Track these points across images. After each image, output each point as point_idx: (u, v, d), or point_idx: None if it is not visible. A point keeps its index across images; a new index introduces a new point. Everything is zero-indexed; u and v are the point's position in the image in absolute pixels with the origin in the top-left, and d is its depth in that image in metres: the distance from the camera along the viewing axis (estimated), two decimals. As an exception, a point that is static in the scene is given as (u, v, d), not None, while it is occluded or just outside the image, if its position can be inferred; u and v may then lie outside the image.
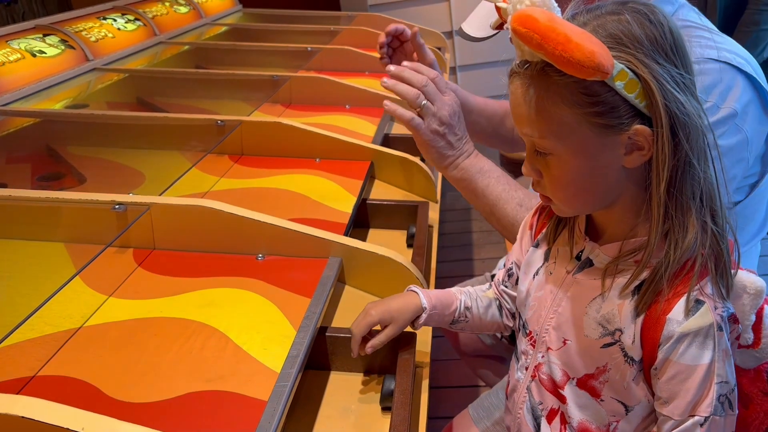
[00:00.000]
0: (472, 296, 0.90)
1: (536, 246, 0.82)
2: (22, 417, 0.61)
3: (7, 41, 1.83)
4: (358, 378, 0.92)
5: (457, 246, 2.95)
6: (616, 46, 0.61)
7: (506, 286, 0.90)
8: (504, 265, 0.91)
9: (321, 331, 0.92)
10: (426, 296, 0.87)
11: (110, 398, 0.76)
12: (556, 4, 0.63)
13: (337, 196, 1.32)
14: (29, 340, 0.83)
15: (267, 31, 2.93)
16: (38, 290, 0.95)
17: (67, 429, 0.61)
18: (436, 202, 1.49)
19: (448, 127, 1.01)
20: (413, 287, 0.89)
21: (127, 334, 0.88)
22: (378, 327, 0.87)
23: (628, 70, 0.61)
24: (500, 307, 0.91)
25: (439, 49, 2.74)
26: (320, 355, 0.92)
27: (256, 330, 0.89)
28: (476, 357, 1.55)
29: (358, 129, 1.74)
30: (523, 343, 0.82)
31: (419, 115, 1.01)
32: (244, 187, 1.38)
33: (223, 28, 2.99)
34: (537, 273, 0.80)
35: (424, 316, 0.86)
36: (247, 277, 1.03)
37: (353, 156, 1.51)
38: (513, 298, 0.88)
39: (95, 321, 0.91)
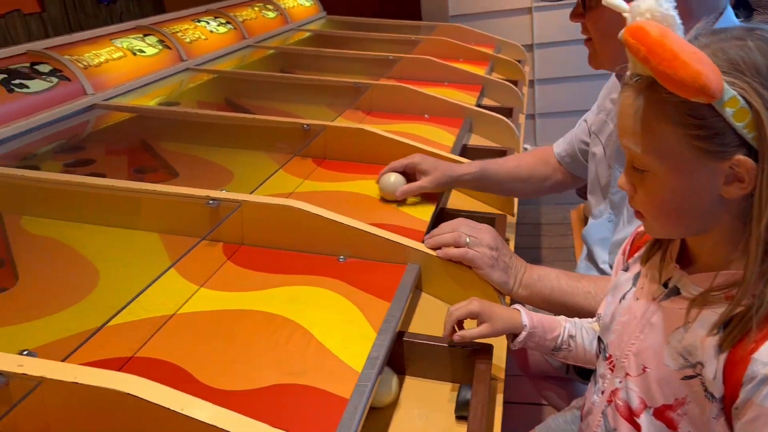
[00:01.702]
0: (577, 325, 0.90)
1: (626, 269, 0.81)
2: (128, 393, 0.65)
3: (111, 40, 1.95)
4: (432, 384, 0.93)
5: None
6: (732, 72, 0.60)
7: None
8: None
9: (398, 336, 0.94)
10: (527, 316, 0.88)
11: (201, 383, 0.80)
12: (678, 21, 0.62)
13: (416, 204, 1.34)
14: (128, 322, 0.89)
15: (349, 38, 2.99)
16: (136, 277, 1.01)
17: (168, 409, 0.65)
18: (514, 216, 1.49)
19: (497, 250, 1.05)
20: (517, 305, 0.91)
21: (216, 323, 0.93)
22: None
23: (740, 98, 0.60)
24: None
25: (519, 62, 2.73)
26: (396, 359, 0.94)
27: (338, 329, 0.92)
28: (542, 378, 1.53)
29: (437, 138, 1.76)
30: (602, 367, 0.81)
31: None
32: (327, 190, 1.42)
33: (307, 34, 3.07)
34: (624, 297, 0.79)
35: (524, 334, 0.87)
36: (329, 277, 1.06)
37: (433, 165, 1.53)
38: None
39: (187, 309, 0.96)
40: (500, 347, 0.97)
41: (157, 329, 0.90)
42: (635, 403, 0.74)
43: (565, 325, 0.90)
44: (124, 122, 1.72)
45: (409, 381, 0.94)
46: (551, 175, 1.44)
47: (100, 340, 0.82)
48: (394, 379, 0.89)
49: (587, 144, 1.34)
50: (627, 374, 0.75)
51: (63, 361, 0.70)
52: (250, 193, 1.18)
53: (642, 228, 0.81)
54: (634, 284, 0.79)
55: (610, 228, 1.25)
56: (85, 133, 1.66)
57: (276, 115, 1.74)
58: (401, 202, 1.35)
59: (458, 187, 1.37)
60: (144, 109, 1.75)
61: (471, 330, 0.88)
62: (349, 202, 1.36)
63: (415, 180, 1.34)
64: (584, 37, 1.15)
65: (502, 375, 0.95)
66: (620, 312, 0.78)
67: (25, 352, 0.71)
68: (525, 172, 1.41)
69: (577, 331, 0.90)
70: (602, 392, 0.79)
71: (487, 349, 0.91)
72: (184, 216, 1.14)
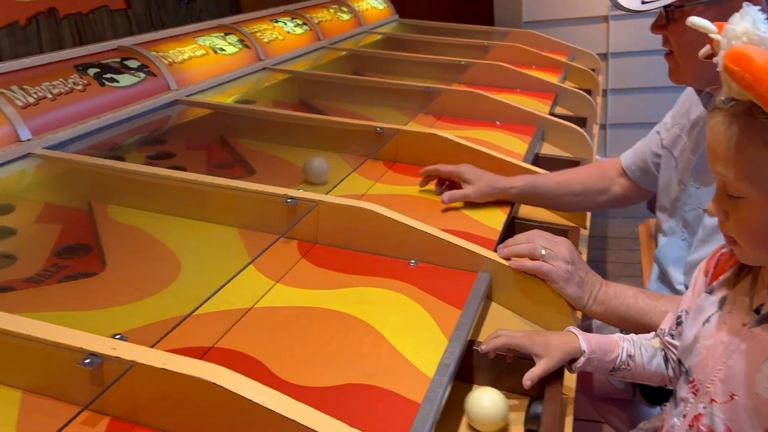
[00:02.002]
0: (635, 344, 0.88)
1: (710, 292, 0.78)
2: (213, 383, 0.68)
3: (194, 38, 2.02)
4: (500, 395, 0.92)
5: (589, 274, 2.86)
6: None
7: (672, 336, 0.86)
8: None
9: (468, 344, 0.94)
10: (585, 339, 0.86)
11: (277, 377, 0.82)
12: None
13: (488, 212, 1.33)
14: (209, 313, 0.92)
15: (421, 42, 3.00)
16: (216, 269, 1.05)
17: (250, 401, 0.67)
18: (586, 229, 1.46)
19: (573, 264, 1.03)
20: (572, 328, 0.89)
21: (292, 319, 0.95)
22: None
23: None
24: (666, 359, 0.87)
25: (593, 70, 2.68)
26: (465, 367, 0.94)
27: (409, 333, 0.92)
28: (604, 400, 1.50)
29: (509, 146, 1.75)
30: (683, 390, 0.79)
31: None
32: (397, 193, 1.43)
33: (379, 37, 3.10)
34: (708, 320, 0.77)
35: (582, 360, 0.85)
36: (400, 281, 1.07)
37: (504, 173, 1.51)
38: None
39: (264, 304, 0.98)
40: (571, 362, 0.96)
41: (235, 321, 0.93)
42: (720, 430, 0.71)
43: (622, 345, 0.88)
44: (203, 118, 1.78)
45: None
46: (608, 188, 1.41)
47: (183, 328, 0.85)
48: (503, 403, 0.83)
49: (659, 156, 1.31)
50: (712, 400, 0.73)
51: (152, 347, 0.74)
52: (326, 194, 1.21)
53: (725, 249, 0.79)
54: (720, 308, 0.76)
55: (684, 247, 1.21)
56: (167, 127, 1.73)
57: (348, 117, 1.76)
58: (472, 208, 1.34)
59: (504, 199, 1.36)
60: (223, 106, 1.81)
61: (534, 370, 0.85)
62: (419, 206, 1.37)
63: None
64: (665, 49, 1.12)
65: (572, 393, 0.94)
66: (704, 335, 0.76)
67: (117, 336, 0.75)
68: (577, 186, 1.39)
69: (636, 350, 0.87)
70: (684, 416, 0.77)
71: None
72: (262, 212, 1.18)
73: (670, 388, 0.86)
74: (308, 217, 1.15)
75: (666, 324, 0.88)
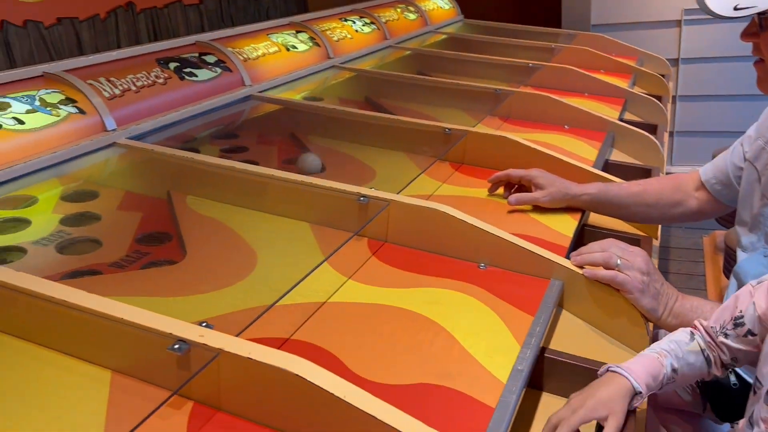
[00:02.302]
0: (677, 356, 0.84)
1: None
2: (296, 374, 0.70)
3: (267, 35, 2.06)
4: (570, 404, 0.92)
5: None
6: None
7: (727, 336, 0.83)
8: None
9: (540, 351, 0.93)
10: (636, 377, 0.81)
11: (352, 372, 0.84)
12: None
13: (558, 217, 1.32)
14: (284, 305, 0.94)
15: (486, 43, 2.98)
16: (290, 262, 1.08)
17: (331, 394, 0.69)
18: (657, 239, 1.43)
19: (648, 275, 1.01)
20: (613, 367, 0.83)
21: (364, 315, 0.97)
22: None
23: None
24: (708, 360, 0.85)
25: (663, 76, 2.61)
26: (535, 374, 0.93)
27: (481, 336, 0.93)
28: (669, 411, 1.46)
29: (578, 151, 1.72)
30: (763, 411, 0.77)
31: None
32: (465, 195, 1.43)
33: (444, 37, 3.09)
34: None
35: (640, 399, 0.81)
36: (470, 283, 1.07)
37: (574, 179, 1.50)
38: (735, 350, 0.83)
39: (337, 299, 1.00)
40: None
41: (310, 315, 0.95)
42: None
43: (665, 363, 0.83)
44: (275, 114, 1.82)
45: (546, 398, 0.93)
46: (683, 201, 1.37)
47: (262, 318, 0.88)
48: None
49: (741, 170, 1.27)
50: None
51: (237, 336, 0.76)
52: (397, 194, 1.22)
53: None
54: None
55: (766, 264, 1.17)
56: (240, 121, 1.78)
57: (414, 117, 1.77)
58: (541, 213, 1.33)
59: (575, 206, 1.34)
60: (294, 103, 1.84)
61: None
62: (486, 209, 1.36)
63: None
64: (743, 57, 1.08)
65: (643, 404, 0.92)
66: None
67: (203, 324, 0.78)
68: (652, 198, 1.35)
69: (679, 363, 0.84)
70: None
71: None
72: (334, 209, 1.20)
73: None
74: (379, 216, 1.17)
75: (717, 321, 0.84)
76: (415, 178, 1.41)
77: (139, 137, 1.44)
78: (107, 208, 1.28)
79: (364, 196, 1.17)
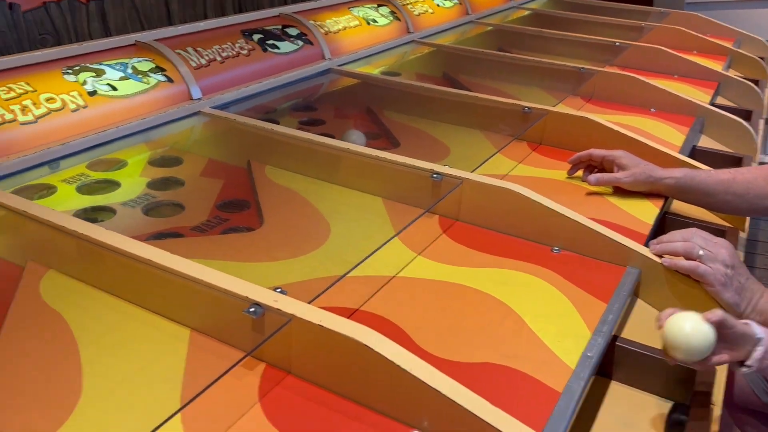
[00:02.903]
0: None
1: None
2: (365, 345, 0.71)
3: (349, 8, 2.07)
4: (640, 395, 0.90)
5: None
6: None
7: None
8: None
9: (612, 339, 0.91)
10: (761, 328, 0.80)
11: (418, 346, 0.85)
12: None
13: (638, 203, 1.27)
14: (355, 277, 0.96)
15: (572, 20, 2.88)
16: (362, 235, 1.09)
17: (397, 366, 0.70)
18: (744, 231, 1.36)
19: (732, 268, 0.97)
20: (747, 320, 0.82)
21: (432, 292, 0.97)
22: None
23: None
24: None
25: (762, 59, 2.44)
26: (605, 362, 0.91)
27: (550, 320, 0.92)
28: (745, 411, 1.40)
29: (663, 135, 1.65)
30: None
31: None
32: (541, 176, 1.40)
33: (527, 13, 3.01)
34: None
35: (760, 349, 0.78)
36: (542, 267, 1.05)
37: (657, 164, 1.44)
38: None
39: (406, 274, 1.01)
40: (720, 369, 0.91)
41: (380, 287, 0.96)
42: None
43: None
44: (353, 88, 1.83)
45: (615, 387, 0.91)
46: None
47: (333, 288, 0.90)
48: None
49: None
50: None
51: (309, 303, 0.78)
52: (471, 172, 1.21)
53: None
54: None
55: None
56: (318, 94, 1.80)
57: (493, 94, 1.74)
58: (620, 197, 1.29)
59: (657, 191, 1.28)
60: (372, 77, 1.85)
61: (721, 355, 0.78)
62: (563, 191, 1.33)
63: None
64: None
65: (718, 401, 0.89)
66: None
67: (278, 290, 0.81)
68: (741, 187, 1.27)
69: None
70: None
71: (710, 372, 0.85)
72: (408, 185, 1.20)
73: None
74: (452, 194, 1.16)
75: None
76: (490, 157, 1.39)
77: (222, 107, 1.48)
78: (191, 174, 1.33)
79: (437, 173, 1.17)
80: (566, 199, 1.28)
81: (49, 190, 1.20)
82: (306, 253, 1.03)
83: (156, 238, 1.08)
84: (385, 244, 1.01)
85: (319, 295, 0.84)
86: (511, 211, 1.14)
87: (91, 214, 1.15)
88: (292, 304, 0.77)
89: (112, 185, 1.26)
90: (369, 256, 0.96)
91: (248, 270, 0.97)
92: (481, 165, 1.35)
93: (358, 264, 0.93)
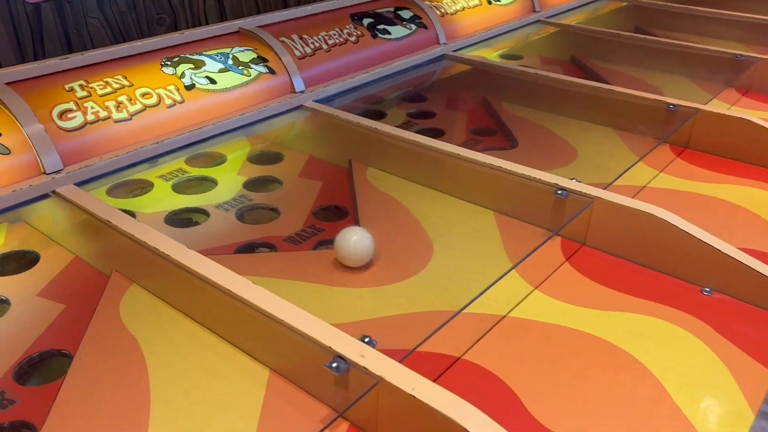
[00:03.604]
0: None
1: None
2: (462, 427, 0.58)
3: (469, -14, 1.89)
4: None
5: None
6: None
7: None
8: None
9: (779, 420, 0.72)
10: None
11: (530, 414, 0.70)
12: None
13: (813, 234, 1.04)
14: (463, 313, 0.83)
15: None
16: (472, 261, 0.95)
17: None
18: None
19: None
20: None
21: (550, 339, 0.82)
22: None
23: None
24: None
25: None
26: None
27: (699, 391, 0.74)
28: None
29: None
30: None
31: None
32: (687, 190, 1.19)
33: (671, -15, 2.67)
34: None
35: None
36: (689, 313, 0.87)
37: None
38: None
39: (519, 313, 0.86)
40: None
41: (486, 330, 0.82)
42: None
43: None
44: (468, 76, 1.67)
45: (781, 480, 0.73)
46: None
47: (432, 326, 0.77)
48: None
49: None
50: None
51: (401, 361, 0.66)
52: (604, 189, 1.03)
53: None
54: None
55: None
56: (430, 83, 1.66)
57: (629, 84, 1.52)
58: (790, 226, 1.06)
59: None
60: (490, 64, 1.67)
61: None
62: (715, 212, 1.12)
63: None
64: None
65: None
66: None
67: (366, 339, 0.69)
68: None
69: None
70: None
71: None
72: (526, 200, 1.04)
73: None
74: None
75: None
76: (628, 170, 1.19)
77: (326, 100, 1.38)
78: (289, 173, 1.24)
79: (562, 188, 1.00)
80: (719, 222, 1.08)
81: (143, 189, 1.16)
82: (403, 279, 0.91)
83: (247, 247, 1.00)
84: (498, 280, 0.86)
85: (412, 351, 0.72)
86: (651, 239, 0.96)
87: (184, 216, 1.10)
88: (381, 362, 0.65)
89: (209, 183, 1.20)
90: (479, 296, 0.82)
91: (337, 297, 0.87)
92: (618, 178, 1.15)
93: (466, 306, 0.80)
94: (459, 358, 0.78)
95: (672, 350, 0.80)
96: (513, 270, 0.92)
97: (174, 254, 0.81)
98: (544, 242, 0.95)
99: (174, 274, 0.82)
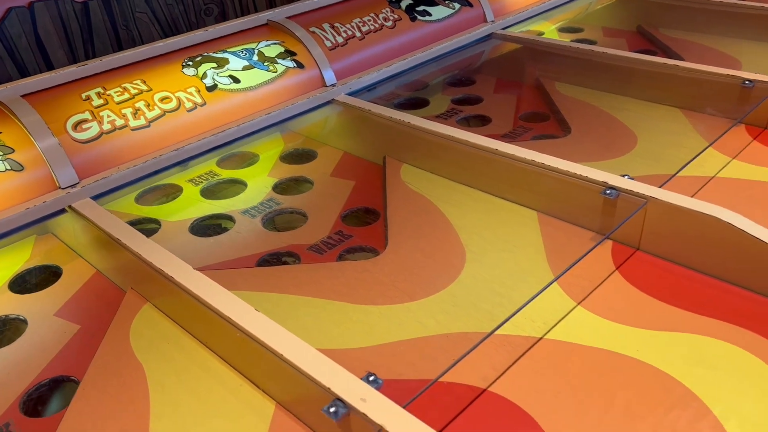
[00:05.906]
0: None
1: None
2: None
3: (520, -44, 1.75)
4: None
5: None
6: None
7: None
8: None
9: None
10: None
11: (561, 462, 0.61)
12: None
13: None
14: (494, 335, 0.74)
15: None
16: (507, 271, 0.86)
17: None
18: None
19: None
20: None
21: (590, 368, 0.72)
22: None
23: None
24: None
25: None
26: None
27: (768, 435, 0.63)
28: None
29: None
30: None
31: None
32: (765, 180, 1.04)
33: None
34: None
35: None
36: (760, 335, 0.74)
37: None
38: None
39: (557, 335, 0.77)
40: None
41: (518, 356, 0.73)
42: None
43: None
44: (518, 56, 1.54)
45: None
46: None
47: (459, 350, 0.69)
48: None
49: None
50: None
51: (405, 407, 0.59)
52: (666, 182, 0.90)
53: None
54: None
55: None
56: (476, 66, 1.54)
57: (703, 56, 1.36)
58: None
59: None
60: (542, 42, 1.54)
61: None
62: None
63: None
64: None
65: None
66: None
67: (371, 378, 0.62)
68: None
69: None
70: None
71: None
72: (571, 199, 0.94)
73: None
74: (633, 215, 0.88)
75: None
76: (695, 158, 1.05)
77: (359, 92, 1.30)
78: (321, 172, 1.18)
79: (611, 187, 0.89)
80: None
81: (171, 195, 1.12)
82: (430, 294, 0.83)
83: (268, 258, 0.95)
84: (536, 296, 0.77)
85: (421, 393, 0.64)
86: (714, 243, 0.83)
87: (209, 223, 1.06)
88: (383, 407, 0.58)
89: (239, 185, 1.16)
90: (511, 317, 0.73)
91: (354, 316, 0.79)
92: (682, 168, 1.01)
93: (495, 330, 0.71)
94: (484, 390, 0.70)
95: (739, 384, 0.69)
96: (553, 276, 0.82)
97: (178, 276, 0.77)
98: (590, 250, 0.84)
99: (179, 297, 0.78)
